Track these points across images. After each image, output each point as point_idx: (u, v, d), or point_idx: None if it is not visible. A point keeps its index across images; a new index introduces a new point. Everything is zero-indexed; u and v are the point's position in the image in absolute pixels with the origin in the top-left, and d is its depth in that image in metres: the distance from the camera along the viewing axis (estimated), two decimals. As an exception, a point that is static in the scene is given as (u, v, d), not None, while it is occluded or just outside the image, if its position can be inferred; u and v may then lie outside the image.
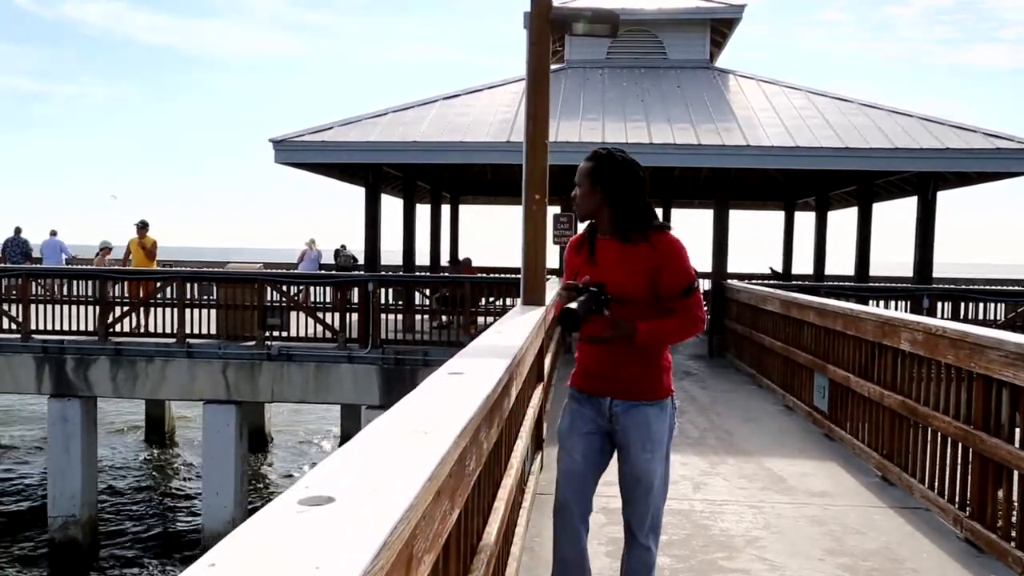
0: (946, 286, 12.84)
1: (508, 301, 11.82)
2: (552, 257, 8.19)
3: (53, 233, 18.97)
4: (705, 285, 17.33)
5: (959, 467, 4.20)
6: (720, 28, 14.91)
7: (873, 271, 14.31)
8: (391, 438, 1.51)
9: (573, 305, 2.55)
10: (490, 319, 11.29)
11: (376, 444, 1.46)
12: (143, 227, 13.31)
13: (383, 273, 12.68)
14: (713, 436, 6.50)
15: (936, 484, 4.49)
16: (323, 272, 16.40)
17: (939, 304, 11.56)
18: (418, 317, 12.14)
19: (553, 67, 15.05)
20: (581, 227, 2.89)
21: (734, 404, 7.96)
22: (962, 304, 11.63)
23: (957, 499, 4.21)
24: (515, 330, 3.53)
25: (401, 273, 14.71)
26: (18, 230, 18.53)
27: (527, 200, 5.36)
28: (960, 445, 4.16)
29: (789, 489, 5.04)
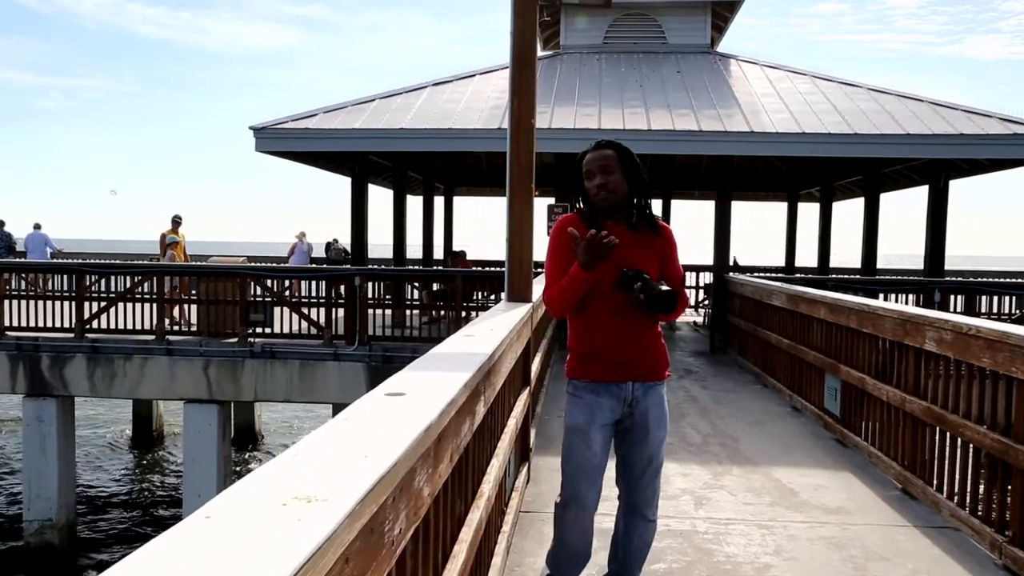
0: (959, 279, 12.32)
1: (503, 296, 11.32)
2: (540, 249, 7.71)
3: (37, 227, 18.52)
4: (706, 278, 16.89)
5: (997, 484, 3.72)
6: (721, 12, 14.37)
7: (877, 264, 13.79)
8: (248, 514, 1.02)
9: (665, 287, 2.62)
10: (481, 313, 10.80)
11: (218, 526, 0.97)
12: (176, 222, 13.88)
13: (370, 267, 12.18)
14: (716, 442, 6.01)
15: (968, 502, 4.00)
16: (306, 266, 15.88)
17: (951, 298, 11.06)
18: (408, 312, 11.66)
19: (548, 53, 14.58)
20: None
21: (738, 406, 7.46)
22: (976, 298, 11.12)
23: (994, 520, 3.73)
24: (489, 333, 3.04)
25: (389, 266, 14.25)
26: (0, 223, 18.09)
27: (512, 186, 4.87)
28: (999, 461, 3.67)
29: (802, 504, 4.55)
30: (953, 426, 4.13)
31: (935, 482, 4.39)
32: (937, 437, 4.40)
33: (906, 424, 4.76)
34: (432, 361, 2.34)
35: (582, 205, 2.83)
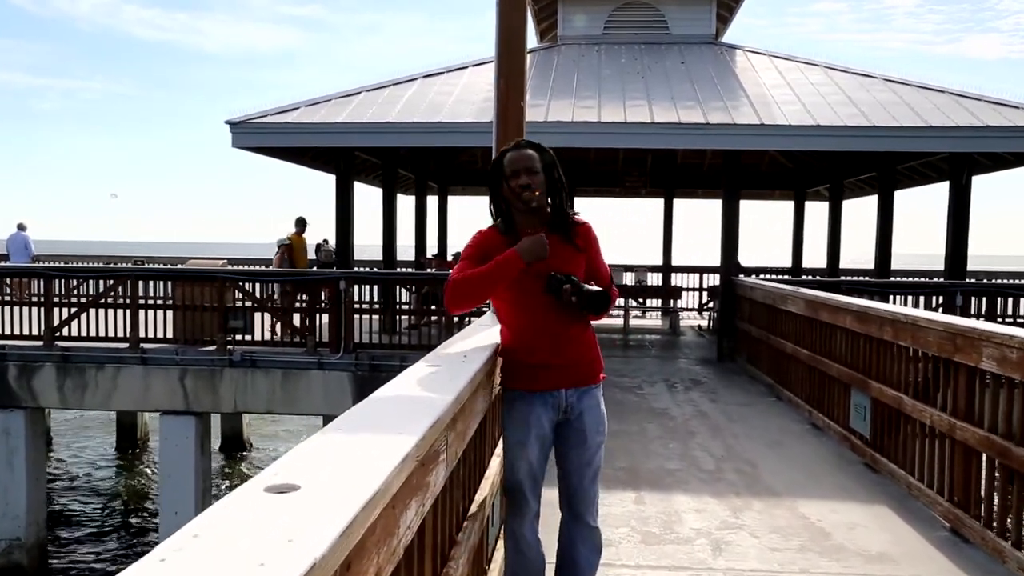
0: (983, 281, 11.66)
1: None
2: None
3: (21, 227, 17.87)
4: (711, 280, 16.25)
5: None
6: (726, 1, 13.72)
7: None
8: None
9: (595, 287, 2.61)
10: (475, 319, 10.15)
11: None
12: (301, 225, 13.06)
13: (356, 270, 11.53)
14: (732, 468, 5.35)
15: (1042, 554, 3.36)
16: (288, 269, 15.15)
17: (972, 300, 10.39)
18: (397, 318, 11.01)
19: (545, 45, 13.91)
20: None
21: (752, 423, 6.81)
22: (997, 301, 10.46)
23: (1080, 581, 3.09)
24: (462, 362, 2.39)
25: (378, 269, 13.60)
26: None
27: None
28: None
29: (837, 549, 3.90)
30: (1022, 462, 3.48)
31: (996, 527, 3.74)
32: (997, 472, 3.75)
33: (956, 454, 4.11)
34: (370, 412, 1.68)
35: (498, 207, 2.79)
